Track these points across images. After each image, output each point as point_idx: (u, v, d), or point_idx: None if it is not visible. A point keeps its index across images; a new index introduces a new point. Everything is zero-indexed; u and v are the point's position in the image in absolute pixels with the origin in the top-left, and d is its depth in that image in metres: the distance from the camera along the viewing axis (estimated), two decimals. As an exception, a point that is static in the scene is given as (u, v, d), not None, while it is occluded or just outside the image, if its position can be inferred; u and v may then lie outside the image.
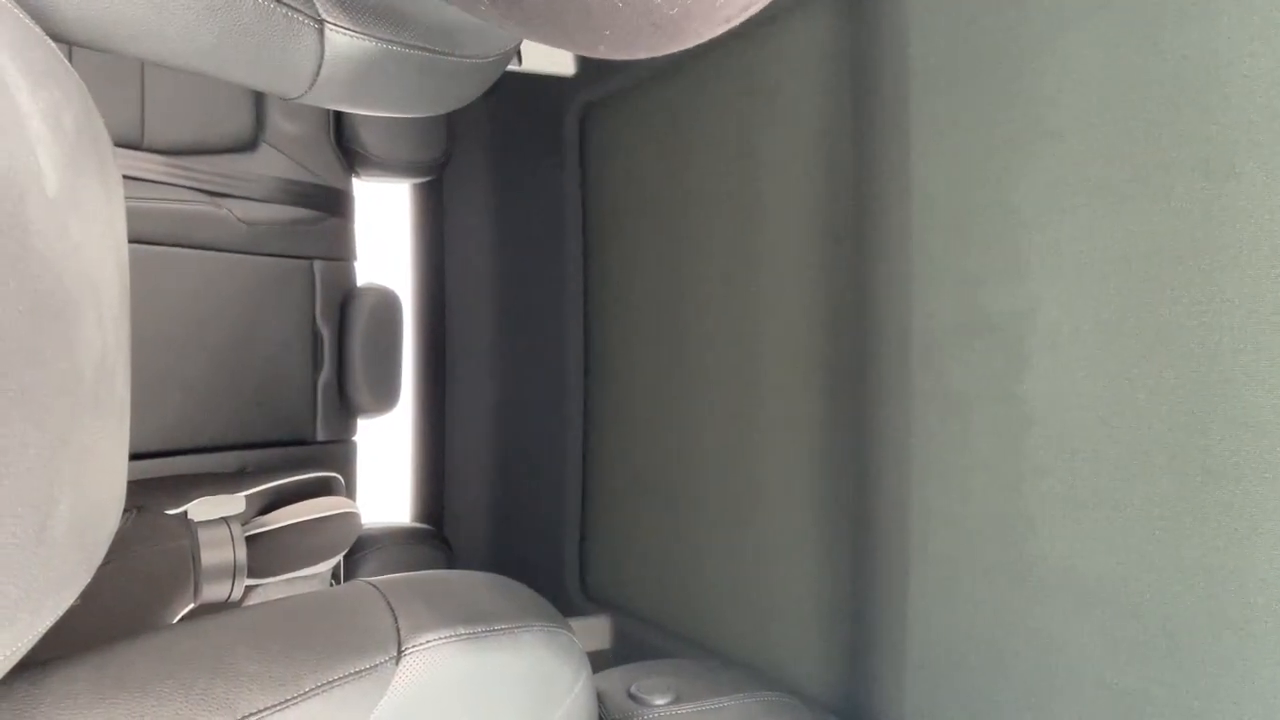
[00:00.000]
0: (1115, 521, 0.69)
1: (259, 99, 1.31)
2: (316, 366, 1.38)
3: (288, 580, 1.13)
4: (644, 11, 0.41)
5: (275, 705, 0.51)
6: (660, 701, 0.78)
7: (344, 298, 1.41)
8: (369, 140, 1.42)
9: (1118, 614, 0.69)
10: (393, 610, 0.60)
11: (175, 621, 0.94)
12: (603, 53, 0.46)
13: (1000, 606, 0.78)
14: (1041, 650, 0.74)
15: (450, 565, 1.58)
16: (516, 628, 0.63)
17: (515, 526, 1.67)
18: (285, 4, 0.57)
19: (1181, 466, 0.64)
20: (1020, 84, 0.76)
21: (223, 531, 1.01)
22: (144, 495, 1.01)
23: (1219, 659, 0.62)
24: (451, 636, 0.60)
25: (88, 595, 0.47)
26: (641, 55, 0.46)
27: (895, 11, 0.87)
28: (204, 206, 1.22)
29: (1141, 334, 0.67)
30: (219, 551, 1.00)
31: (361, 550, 1.44)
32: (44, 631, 0.43)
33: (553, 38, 0.46)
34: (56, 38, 0.50)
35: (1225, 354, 0.62)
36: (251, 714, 0.50)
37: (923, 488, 0.85)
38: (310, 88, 0.62)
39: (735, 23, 0.44)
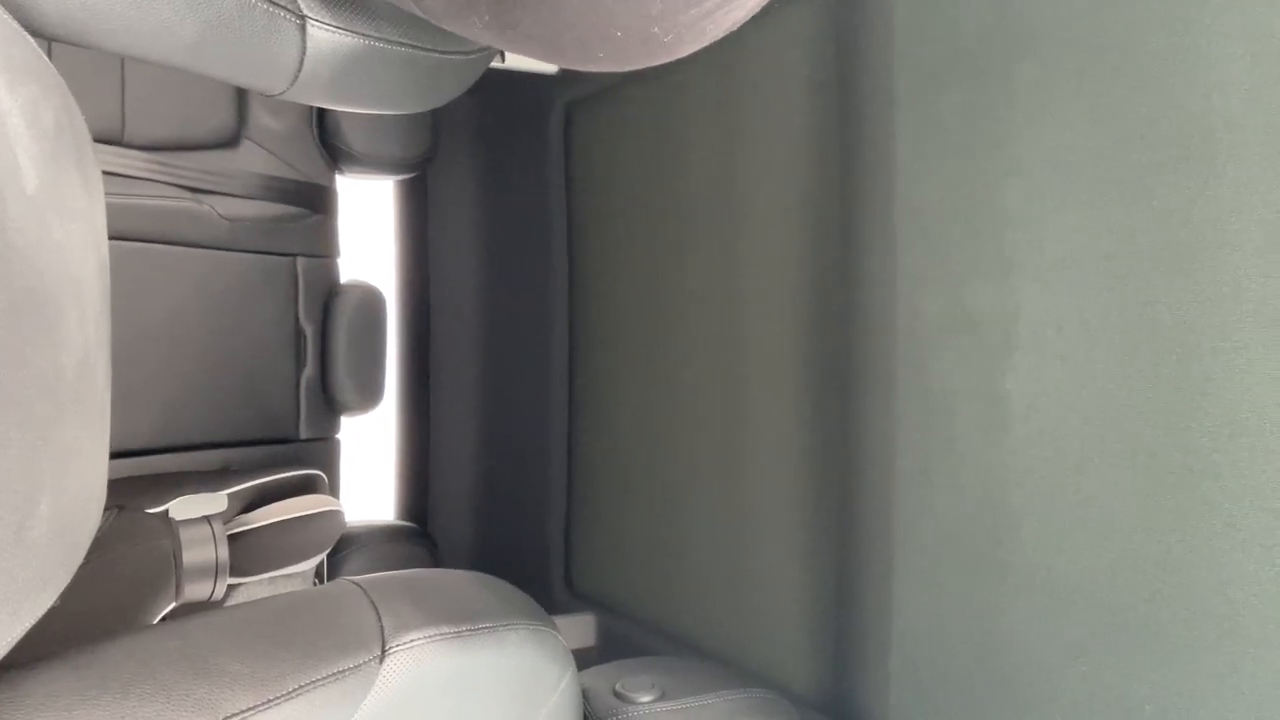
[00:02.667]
0: (1097, 519, 0.69)
1: (241, 95, 1.30)
2: (299, 364, 1.37)
3: (270, 579, 1.12)
4: (640, 40, 0.42)
5: (258, 705, 0.51)
6: (645, 699, 0.78)
7: (327, 295, 1.40)
8: (352, 136, 1.41)
9: (1100, 612, 0.69)
10: (376, 609, 0.60)
11: (157, 621, 0.94)
12: (594, 69, 0.47)
13: (983, 603, 0.78)
14: (1024, 647, 0.75)
15: (435, 563, 1.58)
16: (501, 626, 0.63)
17: (500, 524, 1.67)
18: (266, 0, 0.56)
19: (1162, 465, 0.65)
20: (1003, 83, 0.76)
21: (204, 530, 1.01)
22: (125, 494, 1.00)
23: (1200, 656, 0.63)
24: (436, 635, 0.59)
25: (68, 595, 0.47)
26: (630, 69, 0.47)
27: (881, 11, 0.87)
28: (185, 203, 1.21)
29: (1123, 333, 0.67)
30: (201, 550, 0.99)
31: (345, 549, 1.43)
32: (24, 633, 0.43)
33: (548, 57, 0.47)
34: (35, 33, 0.49)
35: (1206, 353, 0.62)
36: (234, 714, 0.50)
37: (906, 485, 0.86)
38: (292, 84, 0.62)
39: (719, 38, 0.45)
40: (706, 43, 0.44)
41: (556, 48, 0.45)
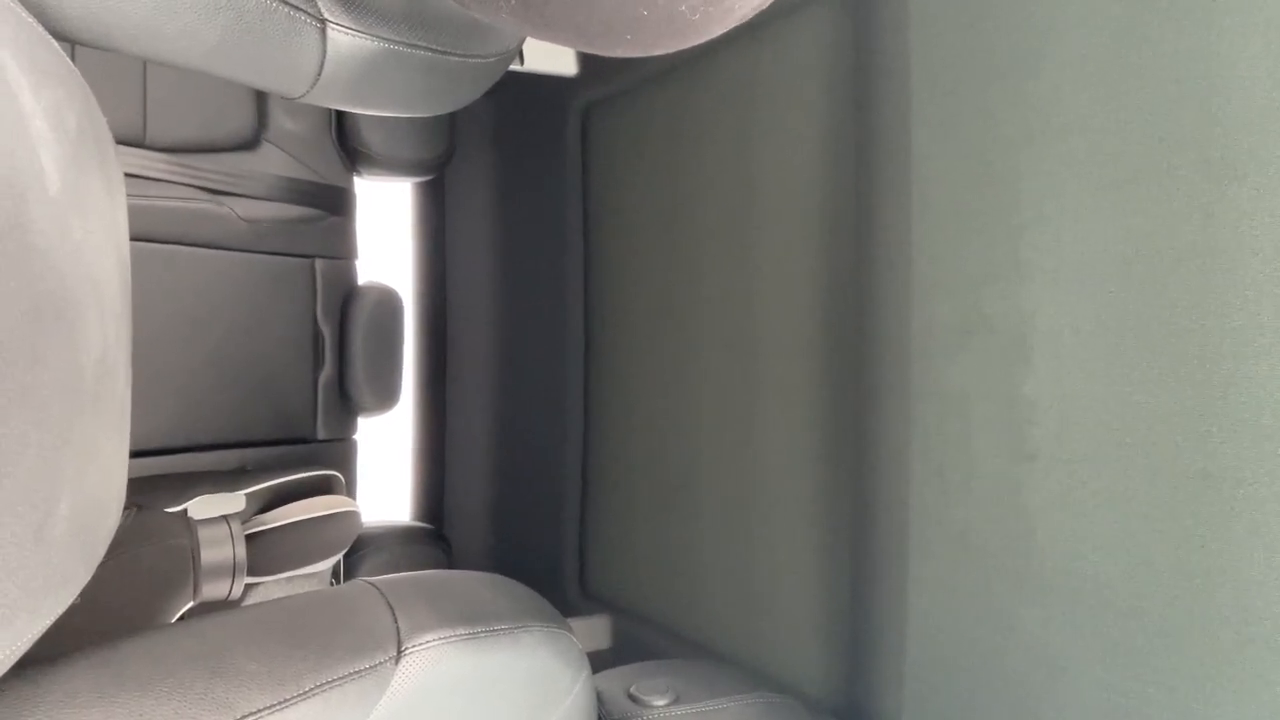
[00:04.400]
0: (1114, 523, 0.69)
1: (261, 97, 1.31)
2: (317, 365, 1.38)
3: (287, 579, 1.13)
4: (667, 19, 0.42)
5: (274, 705, 0.51)
6: (659, 702, 0.78)
7: (345, 296, 1.41)
8: (371, 139, 1.42)
9: (1116, 616, 0.69)
10: (392, 610, 0.61)
11: (175, 620, 0.94)
12: (621, 53, 0.47)
13: (999, 607, 0.78)
14: (1039, 651, 0.74)
15: (450, 564, 1.58)
16: (516, 628, 0.63)
17: (515, 526, 1.67)
18: (287, 3, 0.57)
19: (1181, 469, 0.64)
20: (1021, 85, 0.76)
21: (222, 530, 1.01)
22: (144, 493, 1.01)
23: (1217, 661, 0.62)
24: (451, 636, 0.60)
25: (87, 594, 0.47)
26: (657, 53, 0.47)
27: (896, 13, 0.87)
28: (205, 204, 1.22)
29: (1142, 336, 0.67)
30: (219, 550, 1.00)
31: (361, 549, 1.44)
32: (43, 631, 0.43)
33: (573, 42, 0.47)
34: (59, 36, 0.50)
35: (1226, 356, 0.62)
36: (250, 713, 0.50)
37: (922, 488, 0.85)
38: (312, 87, 0.62)
39: (747, 18, 0.44)
40: (735, 22, 0.44)
41: (582, 32, 0.45)
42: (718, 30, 0.44)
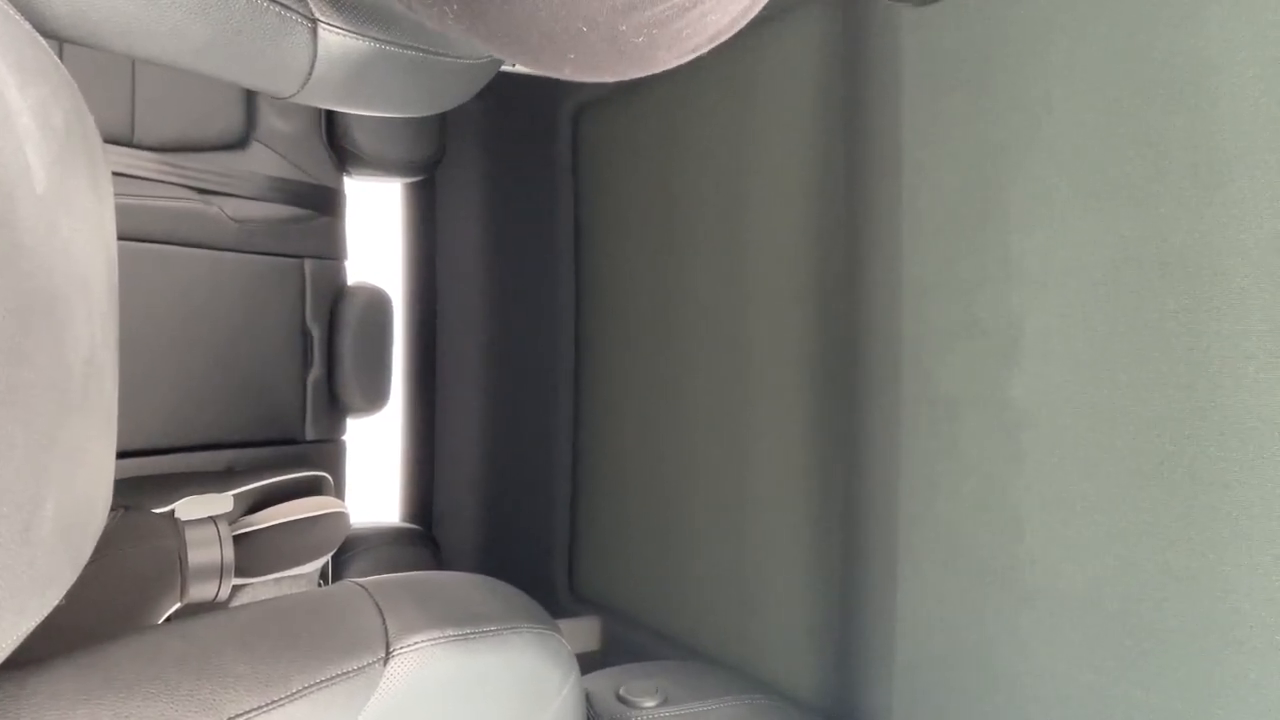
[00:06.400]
0: (1103, 526, 0.69)
1: (250, 96, 1.30)
2: (306, 365, 1.37)
3: (275, 580, 1.12)
4: (609, 38, 0.41)
5: (262, 706, 0.51)
6: (648, 704, 0.78)
7: (334, 297, 1.41)
8: (361, 139, 1.41)
9: (1105, 619, 0.69)
10: (381, 611, 0.60)
11: (162, 621, 0.94)
12: (569, 75, 0.46)
13: (988, 610, 0.78)
14: (1029, 654, 0.75)
15: (439, 566, 1.58)
16: (505, 629, 0.63)
17: (505, 527, 1.67)
18: (278, 3, 0.57)
19: (1169, 472, 0.65)
20: (1011, 91, 0.76)
21: (210, 530, 1.01)
22: (131, 494, 1.01)
23: (1205, 664, 0.63)
24: (440, 638, 0.60)
25: (73, 595, 0.47)
26: (609, 79, 0.46)
27: (888, 18, 0.87)
28: (194, 204, 1.22)
29: (1130, 340, 0.67)
30: (206, 551, 0.99)
31: (350, 550, 1.44)
32: (29, 631, 0.43)
33: (519, 57, 0.46)
34: (47, 34, 0.49)
35: (1214, 360, 0.62)
36: (238, 715, 0.50)
37: (911, 491, 0.85)
38: (303, 87, 0.62)
39: (703, 51, 0.43)
40: (688, 52, 0.43)
41: (526, 45, 0.44)
42: (670, 60, 0.43)
